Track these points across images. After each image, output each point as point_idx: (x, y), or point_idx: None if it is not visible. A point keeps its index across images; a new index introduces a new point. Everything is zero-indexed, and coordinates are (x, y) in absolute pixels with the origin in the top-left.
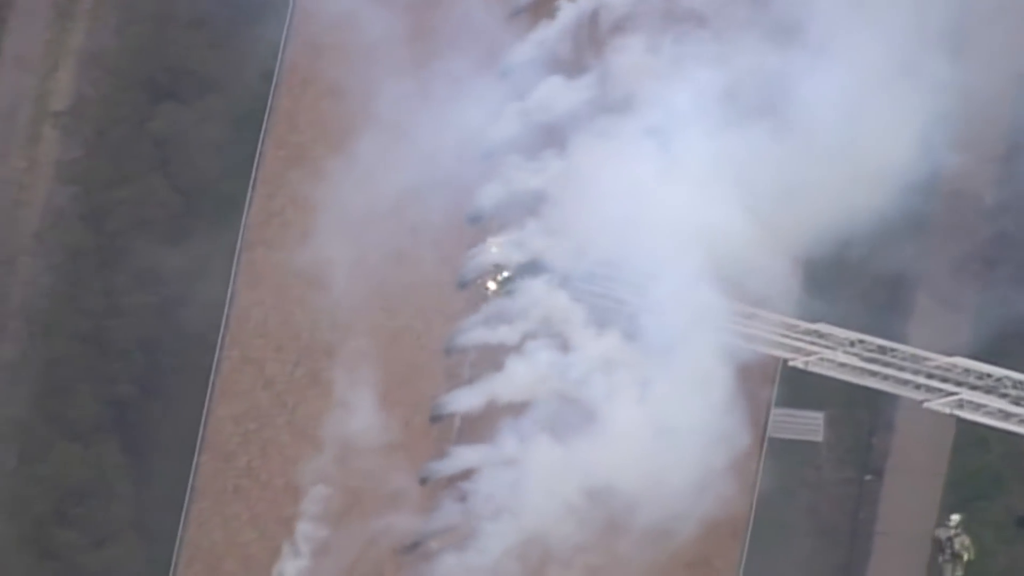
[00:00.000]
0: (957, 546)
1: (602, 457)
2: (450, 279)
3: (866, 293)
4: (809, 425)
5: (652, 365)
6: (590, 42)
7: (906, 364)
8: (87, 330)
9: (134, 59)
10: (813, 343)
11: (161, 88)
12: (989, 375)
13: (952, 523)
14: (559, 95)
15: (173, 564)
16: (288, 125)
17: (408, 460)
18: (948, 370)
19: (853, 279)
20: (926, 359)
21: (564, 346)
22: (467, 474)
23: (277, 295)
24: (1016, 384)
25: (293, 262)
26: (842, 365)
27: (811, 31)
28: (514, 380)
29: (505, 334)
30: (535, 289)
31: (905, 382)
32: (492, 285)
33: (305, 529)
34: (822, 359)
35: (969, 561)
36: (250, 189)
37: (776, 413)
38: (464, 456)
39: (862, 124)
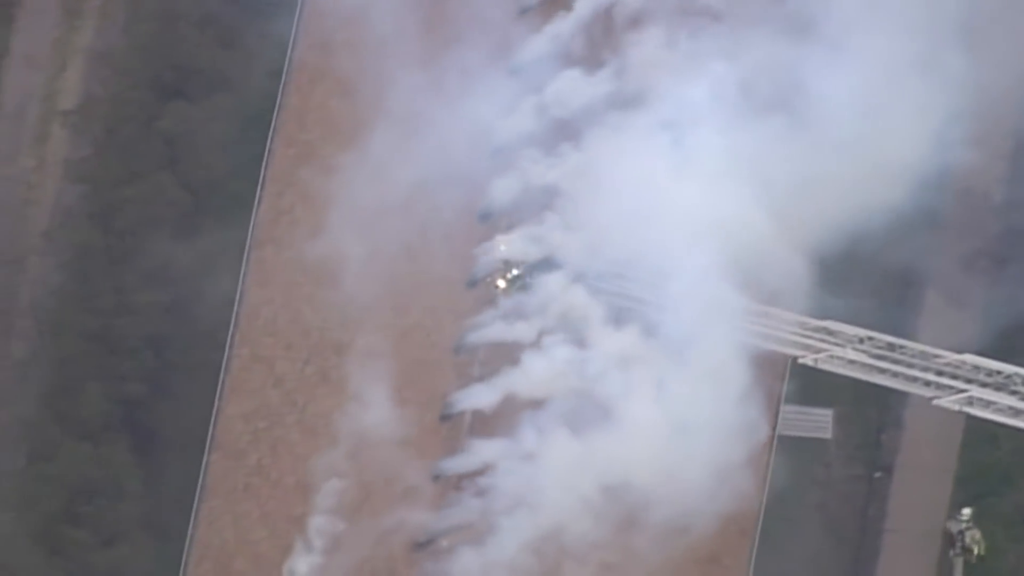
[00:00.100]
0: (968, 540)
1: (616, 453)
2: (461, 277)
3: (875, 290)
4: (818, 422)
5: (666, 362)
6: (604, 37)
7: (915, 361)
8: (96, 329)
9: (143, 57)
10: (822, 340)
11: (170, 86)
12: (999, 372)
13: (963, 517)
14: (576, 89)
15: (183, 563)
16: (297, 123)
17: (420, 457)
18: (958, 367)
19: (862, 276)
20: (935, 356)
21: (580, 343)
22: (477, 473)
23: (287, 293)
24: None
25: (303, 260)
26: (851, 362)
27: (825, 27)
28: (530, 376)
29: (518, 331)
30: (550, 285)
31: (914, 379)
32: (502, 283)
33: (317, 524)
34: (831, 356)
35: (979, 555)
36: (259, 187)
37: (785, 410)
38: (481, 450)
39: (873, 120)
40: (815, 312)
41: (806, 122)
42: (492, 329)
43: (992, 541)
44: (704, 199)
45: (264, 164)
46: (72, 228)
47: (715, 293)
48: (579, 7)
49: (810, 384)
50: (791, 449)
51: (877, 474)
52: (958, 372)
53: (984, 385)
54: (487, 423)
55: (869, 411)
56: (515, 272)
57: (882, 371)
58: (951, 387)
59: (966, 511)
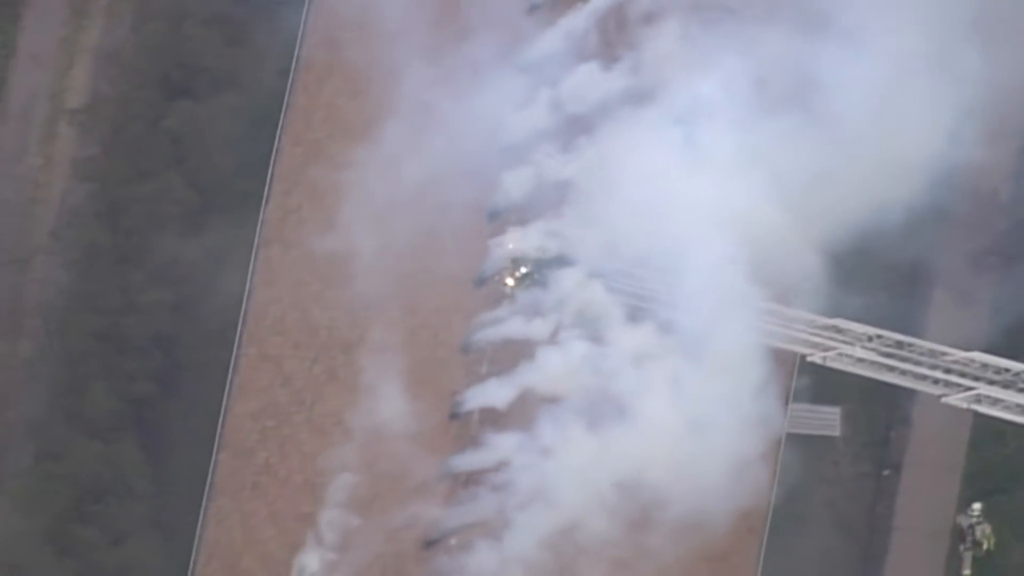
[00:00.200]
0: (978, 534)
1: (627, 450)
2: (469, 275)
3: (883, 287)
4: (826, 420)
5: (679, 359)
6: (618, 32)
7: (924, 359)
8: (104, 328)
9: (150, 56)
10: (831, 338)
11: (177, 85)
12: (1007, 370)
13: (974, 512)
14: (591, 84)
15: (192, 562)
16: (305, 122)
17: (429, 455)
18: (966, 365)
19: (870, 273)
20: (944, 354)
21: (595, 339)
22: (485, 471)
23: (294, 292)
24: None
25: (310, 259)
26: (860, 360)
27: (837, 22)
28: (546, 372)
29: (531, 328)
30: (564, 282)
31: (923, 377)
32: (510, 281)
33: (329, 517)
34: (840, 354)
35: (989, 550)
36: (267, 186)
37: (793, 408)
38: (493, 447)
39: (882, 117)
40: (823, 309)
41: (817, 117)
42: (503, 326)
43: (1000, 538)
44: (717, 194)
45: (272, 163)
46: (79, 227)
47: (729, 289)
48: (593, 1)
49: (818, 382)
50: (800, 447)
51: (885, 472)
52: (966, 370)
53: (992, 383)
54: (496, 422)
55: (877, 409)
56: (523, 270)
57: (890, 369)
58: (959, 385)
59: (976, 506)
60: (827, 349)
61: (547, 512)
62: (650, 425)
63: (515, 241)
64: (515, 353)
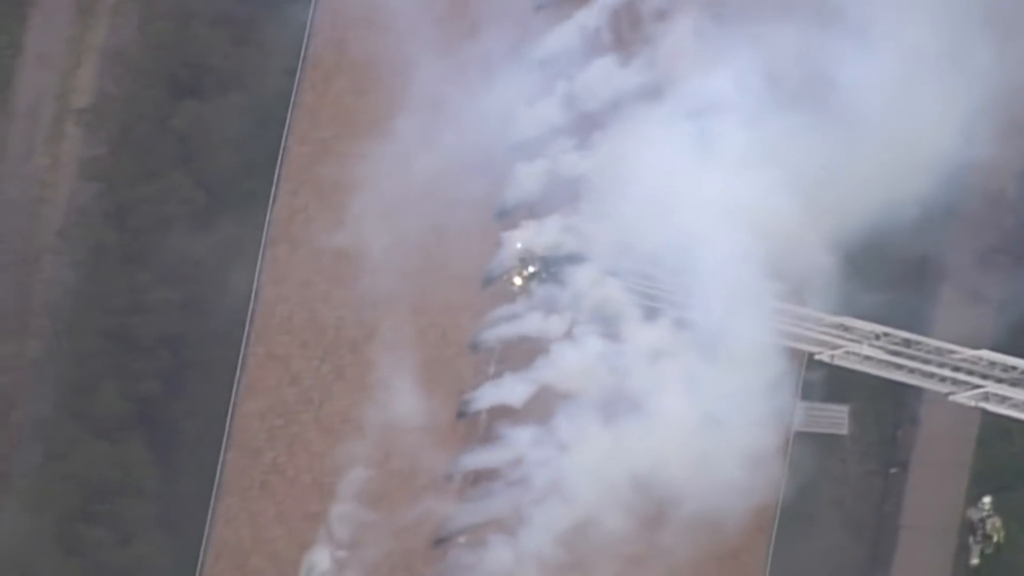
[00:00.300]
0: (989, 528)
1: (643, 446)
2: (477, 274)
3: (891, 285)
4: (834, 418)
5: (691, 356)
6: (630, 26)
7: (931, 357)
8: (111, 327)
9: (157, 56)
10: (838, 336)
11: (184, 85)
12: (1015, 368)
13: (984, 505)
14: (607, 78)
15: (200, 561)
16: (311, 121)
17: (437, 453)
18: (974, 363)
19: (878, 271)
20: (951, 352)
21: (611, 336)
22: (493, 470)
23: (302, 291)
24: None
25: (318, 258)
26: (867, 358)
27: (852, 17)
28: (562, 370)
29: (544, 325)
30: (577, 279)
31: (930, 375)
32: (518, 280)
33: (340, 512)
34: (847, 353)
35: (999, 543)
36: (274, 185)
37: (801, 406)
38: (510, 442)
39: (891, 114)
40: (831, 306)
41: (829, 114)
42: (518, 323)
43: (1008, 533)
44: (729, 190)
45: (279, 162)
46: (87, 227)
47: (742, 285)
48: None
49: (826, 380)
50: (807, 445)
51: (893, 470)
52: (974, 368)
53: (1000, 381)
54: (505, 419)
55: (885, 407)
56: (531, 270)
57: (898, 367)
58: (967, 383)
59: (987, 499)
60: (834, 347)
61: (561, 508)
62: (665, 421)
63: (530, 235)
64: (523, 352)
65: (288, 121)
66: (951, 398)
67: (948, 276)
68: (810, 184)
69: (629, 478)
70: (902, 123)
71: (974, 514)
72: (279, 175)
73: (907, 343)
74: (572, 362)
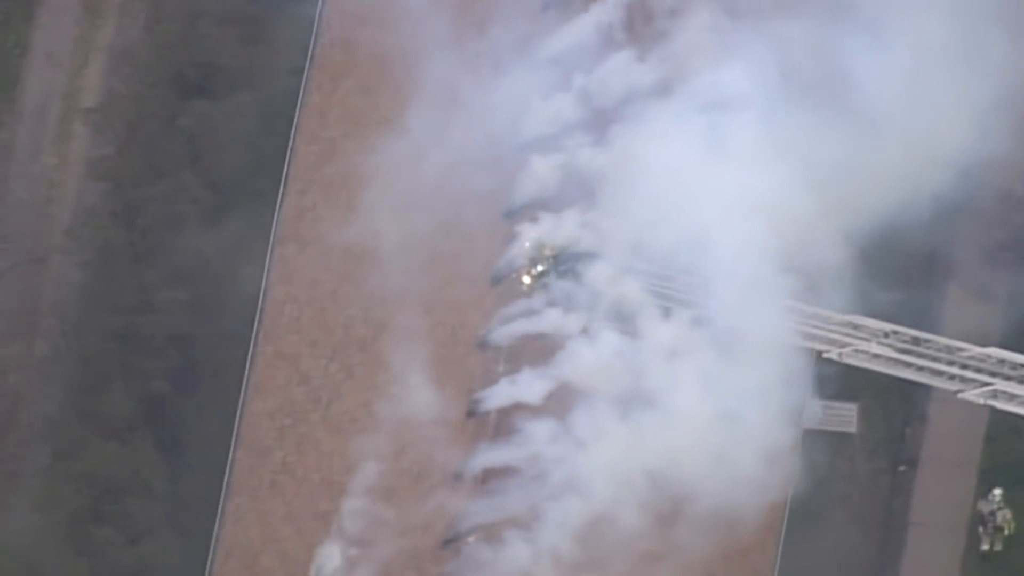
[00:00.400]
0: (999, 519)
1: (658, 442)
2: (486, 273)
3: (899, 283)
4: (843, 416)
5: (707, 353)
6: (643, 22)
7: (940, 355)
8: (120, 327)
9: (164, 55)
10: (847, 335)
11: (191, 84)
12: (1023, 365)
13: (995, 497)
14: (623, 73)
15: (209, 560)
16: (319, 121)
17: (445, 451)
18: (982, 361)
19: (887, 269)
20: (960, 350)
21: (627, 332)
22: (501, 470)
23: (310, 290)
24: None
25: (326, 257)
26: (876, 356)
27: (866, 13)
28: (579, 367)
29: (562, 322)
30: (596, 276)
31: (939, 373)
32: (527, 279)
33: (352, 507)
34: (856, 351)
35: (1009, 535)
36: (282, 185)
37: (810, 405)
38: (525, 439)
39: (907, 108)
40: (841, 304)
41: (842, 109)
42: (534, 320)
43: (1018, 528)
44: (743, 185)
45: (287, 161)
46: (95, 226)
47: (757, 281)
48: None
49: (835, 379)
50: (816, 443)
51: (901, 467)
52: (982, 366)
53: (1008, 378)
54: (517, 419)
55: (893, 405)
56: (540, 268)
57: (907, 365)
58: (975, 380)
59: (997, 491)
60: (843, 346)
61: (577, 504)
62: (680, 418)
63: (547, 229)
64: (533, 350)
65: (296, 120)
66: (959, 396)
67: (957, 273)
68: (822, 180)
69: (644, 474)
70: (914, 119)
71: (985, 506)
72: (287, 174)
73: (916, 341)
74: (589, 359)
